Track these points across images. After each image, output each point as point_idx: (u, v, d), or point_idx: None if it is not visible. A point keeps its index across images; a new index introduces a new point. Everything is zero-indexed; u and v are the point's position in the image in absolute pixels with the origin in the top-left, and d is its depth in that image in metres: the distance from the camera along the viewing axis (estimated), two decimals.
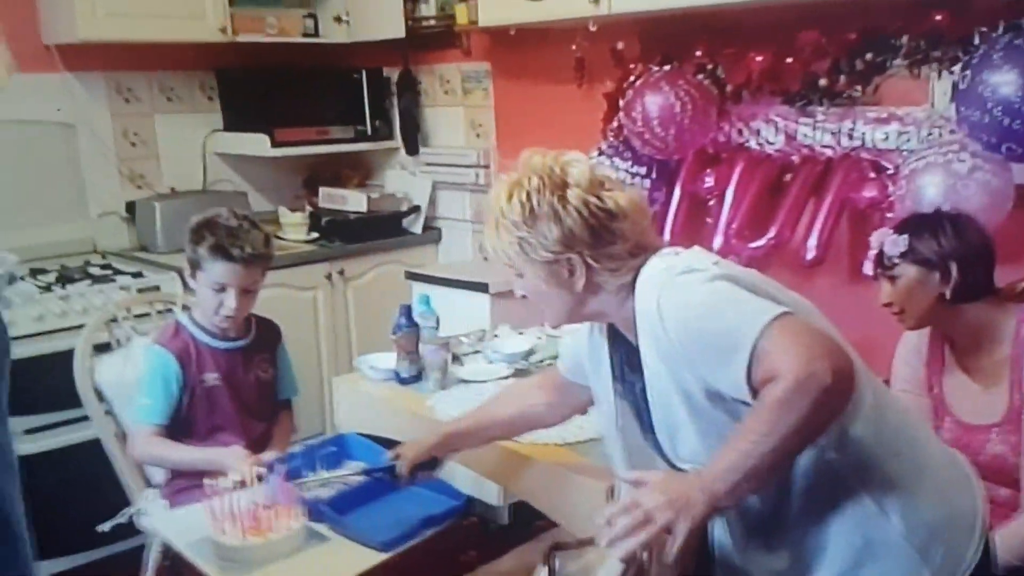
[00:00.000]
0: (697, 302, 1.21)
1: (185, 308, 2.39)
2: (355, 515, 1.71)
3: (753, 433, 1.12)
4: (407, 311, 2.20)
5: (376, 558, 1.60)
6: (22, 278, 1.98)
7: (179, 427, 2.10)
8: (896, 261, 1.67)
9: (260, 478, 1.72)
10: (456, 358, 2.30)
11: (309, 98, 3.55)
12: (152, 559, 2.28)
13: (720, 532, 1.33)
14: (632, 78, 2.58)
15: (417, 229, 3.62)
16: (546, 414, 1.72)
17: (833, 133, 2.31)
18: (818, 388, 1.09)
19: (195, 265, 2.06)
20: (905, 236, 1.67)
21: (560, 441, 1.82)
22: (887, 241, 1.69)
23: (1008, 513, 1.61)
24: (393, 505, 1.76)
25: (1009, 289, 1.74)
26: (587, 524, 1.51)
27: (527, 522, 2.93)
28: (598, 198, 1.30)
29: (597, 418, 1.60)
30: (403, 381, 2.21)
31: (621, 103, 2.60)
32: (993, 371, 1.66)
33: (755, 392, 1.14)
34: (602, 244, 1.29)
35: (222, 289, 2.04)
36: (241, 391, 2.15)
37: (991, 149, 1.89)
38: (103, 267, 3.10)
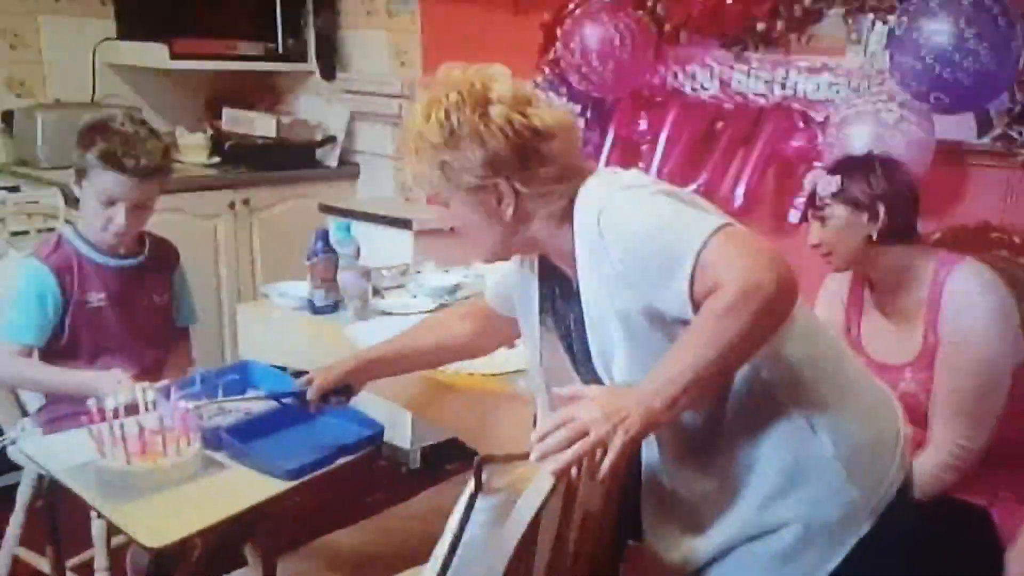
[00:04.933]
0: (639, 217, 1.23)
1: (68, 223, 2.26)
2: (258, 444, 1.66)
3: (693, 346, 1.15)
4: (324, 235, 2.16)
5: (278, 487, 1.55)
6: None
7: (62, 351, 2.02)
8: (828, 201, 1.75)
9: (154, 403, 1.63)
10: (376, 291, 2.26)
11: (214, 8, 3.39)
12: (22, 495, 2.17)
13: (649, 452, 1.35)
14: (572, 7, 2.55)
15: (332, 162, 3.54)
16: (471, 345, 1.72)
17: (767, 81, 2.39)
18: (762, 298, 1.12)
19: (82, 173, 1.96)
20: (838, 177, 1.75)
21: (486, 371, 1.81)
22: (820, 181, 1.76)
23: (912, 450, 1.72)
24: (301, 435, 1.72)
25: (927, 237, 1.89)
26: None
27: (438, 465, 2.94)
28: (523, 115, 1.27)
29: (523, 351, 1.59)
30: (317, 311, 2.18)
31: (559, 33, 2.56)
32: (909, 312, 1.77)
33: (697, 308, 1.17)
34: (530, 167, 1.28)
35: (111, 203, 1.94)
36: (132, 314, 2.07)
37: (920, 98, 2.00)
38: None
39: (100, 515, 1.60)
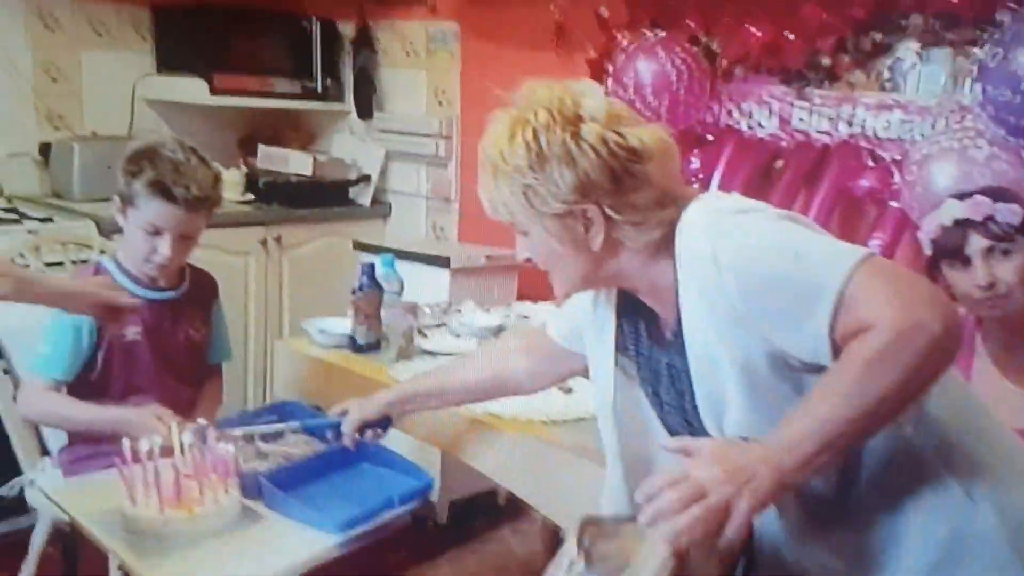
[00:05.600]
0: (764, 244, 1.05)
1: (102, 253, 2.13)
2: (299, 493, 1.50)
3: (836, 395, 0.96)
4: (370, 270, 2.00)
5: (325, 542, 1.40)
6: None
7: (92, 387, 1.86)
8: (1010, 231, 1.52)
9: (190, 446, 1.47)
10: (418, 330, 2.08)
11: (254, 46, 3.31)
12: (35, 541, 2.00)
13: (766, 520, 1.15)
14: (624, 43, 2.44)
15: (365, 201, 3.41)
16: (524, 381, 1.55)
17: (831, 118, 2.25)
18: (925, 340, 0.94)
19: (127, 201, 1.82)
20: (1015, 204, 1.53)
21: (544, 418, 1.64)
22: (1001, 209, 1.52)
23: None
24: (343, 484, 1.58)
25: None
26: (576, 512, 1.33)
27: (467, 521, 2.73)
28: (618, 134, 1.13)
29: (593, 394, 1.42)
30: (359, 348, 2.00)
31: (610, 69, 2.45)
32: None
33: (837, 353, 0.99)
34: (624, 191, 1.12)
35: (156, 233, 1.81)
36: (167, 349, 1.92)
37: (1016, 134, 1.85)
38: (7, 211, 2.82)
39: (123, 568, 1.43)
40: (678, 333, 1.15)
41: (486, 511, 2.77)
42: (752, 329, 1.04)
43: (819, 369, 1.02)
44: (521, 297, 2.75)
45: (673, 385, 1.21)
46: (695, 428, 1.18)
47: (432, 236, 3.33)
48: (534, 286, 2.79)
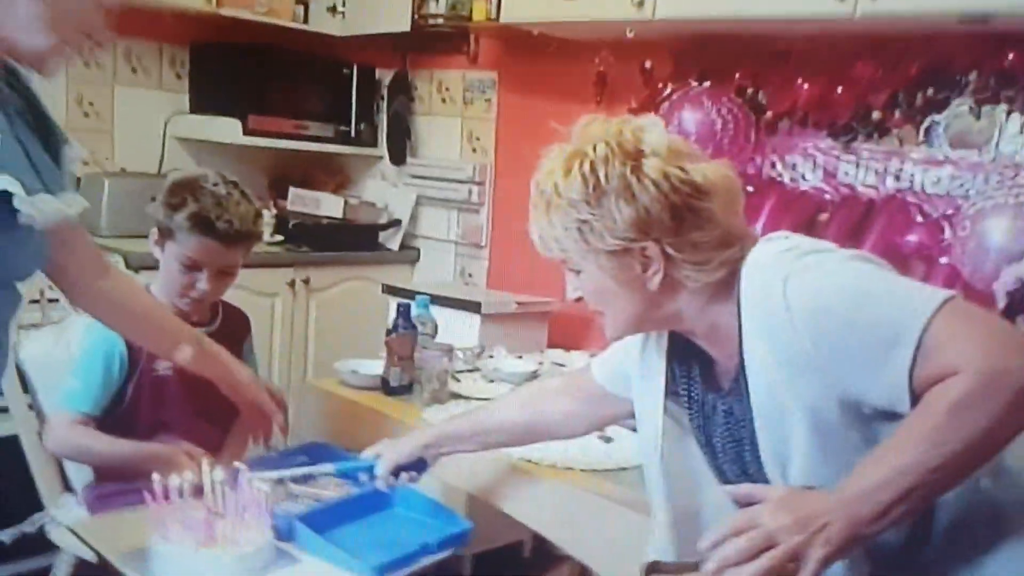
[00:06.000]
0: (838, 285, 1.01)
1: None
2: (333, 535, 1.45)
3: (918, 442, 0.92)
4: (407, 310, 1.96)
5: None
6: None
7: (119, 422, 1.80)
8: None
9: (222, 484, 1.42)
10: (451, 374, 2.04)
11: (289, 88, 3.32)
12: None
13: (837, 572, 1.09)
14: (668, 91, 2.44)
15: (394, 245, 3.39)
16: (562, 424, 1.50)
17: (878, 172, 2.22)
18: (1013, 387, 0.90)
19: (166, 234, 1.80)
20: None
21: (584, 466, 1.58)
22: None
23: None
24: (378, 528, 1.54)
25: None
26: (622, 565, 1.27)
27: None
28: (681, 170, 1.09)
29: (637, 443, 1.37)
30: (391, 390, 1.95)
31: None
32: None
33: (916, 400, 0.95)
34: (686, 229, 1.09)
35: (195, 267, 1.78)
36: (198, 387, 1.85)
37: None
38: None
39: None
40: (738, 379, 1.10)
41: (511, 564, 2.68)
42: (824, 375, 1.00)
43: (893, 416, 0.97)
44: (551, 345, 2.72)
45: (730, 433, 1.16)
46: (752, 477, 1.13)
47: (460, 282, 3.30)
48: (564, 335, 2.76)
